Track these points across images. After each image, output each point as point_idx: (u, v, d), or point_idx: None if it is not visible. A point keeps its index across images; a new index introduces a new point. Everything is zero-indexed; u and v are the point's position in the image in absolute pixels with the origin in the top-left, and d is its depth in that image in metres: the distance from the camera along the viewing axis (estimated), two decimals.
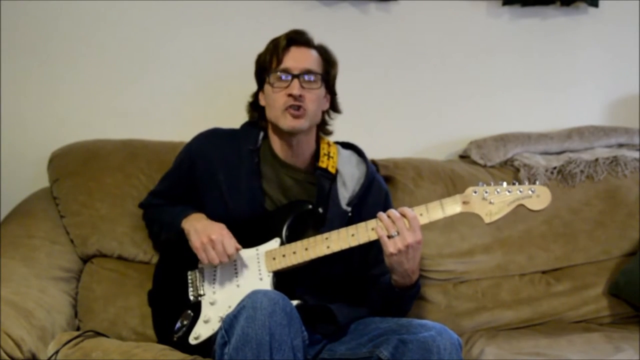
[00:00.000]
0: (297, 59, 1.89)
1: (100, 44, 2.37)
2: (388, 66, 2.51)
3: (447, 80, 2.56)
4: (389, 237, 1.73)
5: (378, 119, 2.47)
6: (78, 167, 2.21)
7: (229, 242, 1.82)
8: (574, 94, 2.66)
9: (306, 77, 1.88)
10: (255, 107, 2.00)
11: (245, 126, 2.02)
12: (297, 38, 1.91)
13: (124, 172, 2.19)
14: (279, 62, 1.89)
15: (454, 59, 2.56)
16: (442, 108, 2.58)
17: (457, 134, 2.57)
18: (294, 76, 1.87)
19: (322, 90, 1.93)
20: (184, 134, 2.20)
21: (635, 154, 2.47)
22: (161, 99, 2.42)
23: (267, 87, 1.92)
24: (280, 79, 1.88)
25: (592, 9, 2.59)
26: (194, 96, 2.44)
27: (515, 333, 2.19)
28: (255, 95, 2.00)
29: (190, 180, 1.98)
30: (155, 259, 2.14)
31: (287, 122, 1.87)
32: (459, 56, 2.56)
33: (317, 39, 1.95)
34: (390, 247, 1.72)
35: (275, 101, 1.88)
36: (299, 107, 1.86)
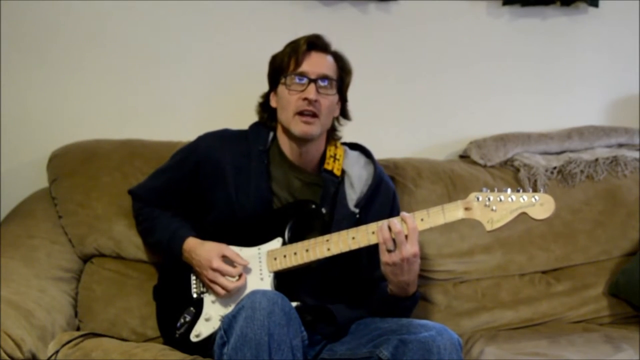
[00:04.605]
0: (315, 63, 1.88)
1: (101, 45, 2.37)
2: (388, 66, 2.51)
3: (447, 80, 2.56)
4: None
5: (378, 119, 2.47)
6: (76, 167, 2.21)
7: (222, 281, 1.82)
8: (574, 93, 2.65)
9: (322, 82, 1.87)
10: (266, 108, 1.98)
11: (254, 126, 2.01)
12: (317, 43, 1.90)
13: (121, 172, 2.19)
14: (297, 65, 1.87)
15: (454, 59, 2.55)
16: (442, 108, 2.58)
17: (457, 134, 2.56)
18: (311, 80, 1.86)
19: (336, 97, 1.93)
20: (184, 134, 2.20)
21: (635, 154, 2.47)
22: (162, 99, 2.42)
23: (281, 88, 1.90)
24: (296, 81, 1.87)
25: (592, 9, 2.59)
26: (193, 96, 2.43)
27: (515, 333, 2.19)
28: (266, 96, 1.98)
29: (193, 180, 1.97)
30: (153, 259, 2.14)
31: (298, 128, 1.86)
32: (459, 56, 2.56)
33: None
34: (386, 257, 1.72)
35: (289, 103, 1.87)
36: (312, 113, 1.85)
